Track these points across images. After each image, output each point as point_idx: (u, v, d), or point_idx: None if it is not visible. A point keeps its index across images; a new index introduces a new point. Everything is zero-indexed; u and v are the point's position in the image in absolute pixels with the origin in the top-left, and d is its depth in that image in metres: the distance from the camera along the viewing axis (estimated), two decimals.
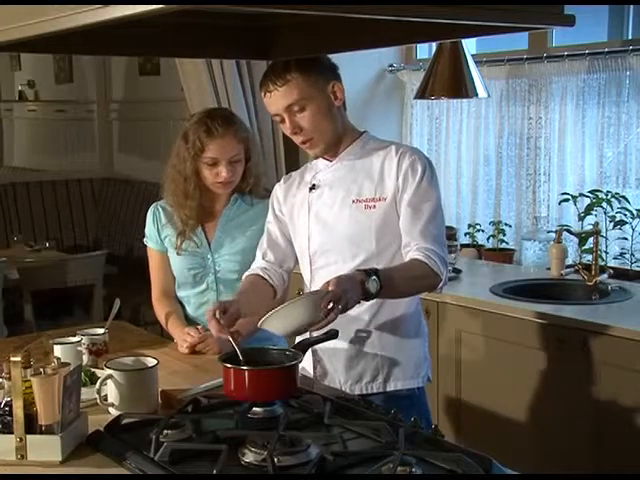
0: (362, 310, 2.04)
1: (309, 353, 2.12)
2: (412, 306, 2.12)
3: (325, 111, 2.01)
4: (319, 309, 1.73)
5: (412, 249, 1.97)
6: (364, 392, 2.09)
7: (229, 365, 1.74)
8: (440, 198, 2.03)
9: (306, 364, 2.14)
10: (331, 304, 1.73)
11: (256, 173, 2.52)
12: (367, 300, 1.85)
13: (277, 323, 1.78)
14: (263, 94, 2.02)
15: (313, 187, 2.12)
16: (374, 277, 1.81)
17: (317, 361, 2.14)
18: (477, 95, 3.58)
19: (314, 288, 2.08)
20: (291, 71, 1.96)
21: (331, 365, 2.13)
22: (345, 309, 1.76)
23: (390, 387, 2.10)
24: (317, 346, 2.09)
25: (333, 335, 1.94)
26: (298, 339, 2.02)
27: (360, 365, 2.09)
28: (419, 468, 1.44)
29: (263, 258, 2.21)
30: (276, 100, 1.99)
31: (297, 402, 1.81)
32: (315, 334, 2.06)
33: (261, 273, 2.18)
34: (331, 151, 2.08)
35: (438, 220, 2.01)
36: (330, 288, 1.76)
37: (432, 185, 2.00)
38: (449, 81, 3.57)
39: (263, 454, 1.48)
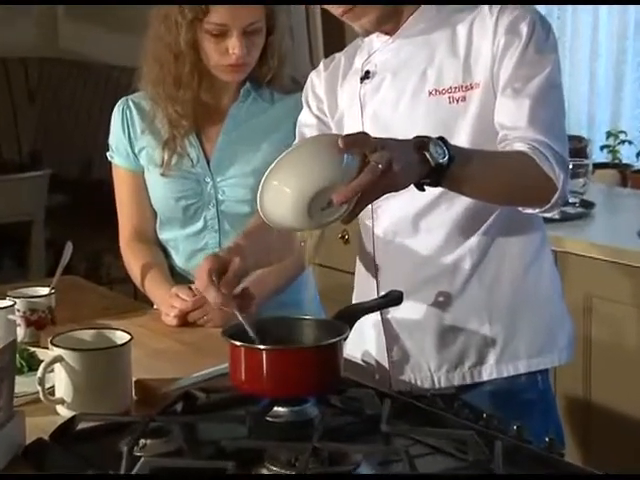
0: (459, 256, 2.06)
1: (378, 328, 2.13)
2: (536, 242, 2.12)
3: None
4: (339, 159, 1.59)
5: (511, 141, 1.94)
6: (467, 382, 2.09)
7: (238, 343, 1.77)
8: (558, 72, 2.00)
9: (373, 345, 2.16)
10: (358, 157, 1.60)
11: (280, 53, 2.54)
12: (438, 181, 1.73)
13: (277, 194, 1.62)
14: None
15: (367, 75, 2.10)
16: (440, 142, 1.72)
17: (392, 339, 2.13)
18: None
19: (378, 229, 2.10)
20: None
21: (414, 344, 2.12)
22: (390, 176, 1.60)
23: (508, 371, 2.09)
24: (390, 317, 2.11)
25: (396, 298, 1.96)
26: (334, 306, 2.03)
27: (459, 341, 2.09)
28: None
29: None
30: None
31: (340, 399, 1.84)
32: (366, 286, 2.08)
33: None
34: (390, 22, 2.06)
35: (552, 101, 1.98)
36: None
37: (545, 52, 1.98)
38: None
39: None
